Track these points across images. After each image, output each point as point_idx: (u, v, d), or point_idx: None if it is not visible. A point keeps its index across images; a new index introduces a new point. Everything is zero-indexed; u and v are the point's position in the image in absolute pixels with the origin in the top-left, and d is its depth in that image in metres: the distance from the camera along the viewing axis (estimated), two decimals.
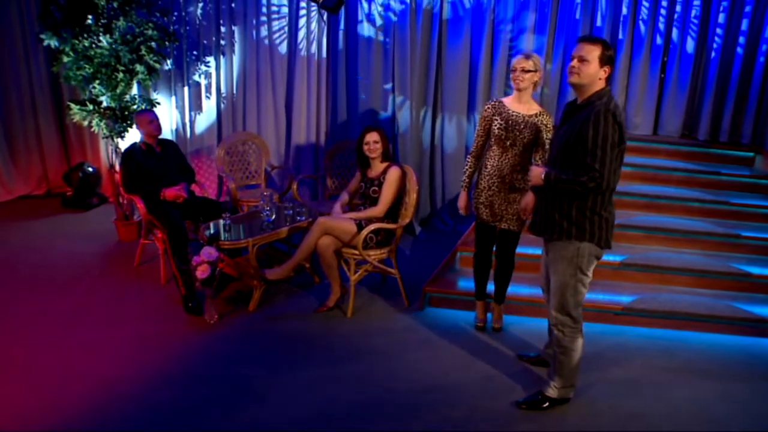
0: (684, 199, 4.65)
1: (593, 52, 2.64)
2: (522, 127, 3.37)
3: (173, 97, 5.65)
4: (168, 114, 5.65)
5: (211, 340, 3.63)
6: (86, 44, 4.45)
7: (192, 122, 5.73)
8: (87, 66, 4.47)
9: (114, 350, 3.47)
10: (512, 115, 3.40)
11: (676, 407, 3.16)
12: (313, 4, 5.08)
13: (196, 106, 5.70)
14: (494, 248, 3.72)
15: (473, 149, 3.62)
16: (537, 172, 2.81)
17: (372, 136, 3.96)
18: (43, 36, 4.41)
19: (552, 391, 3.06)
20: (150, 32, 4.59)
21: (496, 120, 3.44)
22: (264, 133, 5.62)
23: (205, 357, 3.45)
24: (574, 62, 2.68)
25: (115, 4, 4.47)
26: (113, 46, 4.44)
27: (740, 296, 4.08)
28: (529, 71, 3.33)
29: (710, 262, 4.23)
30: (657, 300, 3.99)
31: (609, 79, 2.72)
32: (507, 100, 3.48)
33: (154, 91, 5.50)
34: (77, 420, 2.86)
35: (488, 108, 3.51)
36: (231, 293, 4.22)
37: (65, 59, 4.48)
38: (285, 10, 5.41)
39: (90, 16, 4.47)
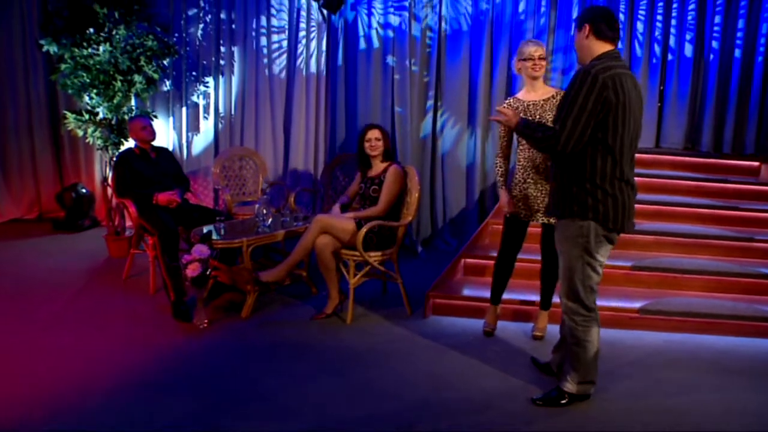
0: (693, 206, 4.52)
1: (575, 26, 2.69)
2: (541, 112, 3.29)
3: (171, 118, 5.62)
4: (165, 135, 5.60)
5: (200, 344, 3.40)
6: (85, 53, 4.44)
7: (189, 143, 5.67)
8: (84, 74, 4.44)
9: (94, 352, 3.24)
10: (529, 106, 3.33)
11: (704, 403, 2.91)
12: (313, 2, 5.12)
13: (194, 126, 5.66)
14: (520, 250, 3.50)
15: (499, 150, 3.48)
16: (515, 115, 2.73)
17: (373, 133, 3.86)
18: (42, 42, 4.41)
19: (570, 386, 2.81)
20: (150, 43, 4.59)
21: None
22: (262, 153, 5.54)
23: (192, 360, 3.21)
24: None
25: (117, 14, 4.49)
26: (112, 53, 4.42)
27: (760, 299, 3.88)
28: (544, 58, 3.31)
29: (725, 266, 4.06)
30: (674, 303, 3.80)
31: (608, 39, 2.56)
32: (521, 94, 3.44)
33: (152, 111, 5.46)
34: (50, 417, 2.62)
35: (505, 106, 3.43)
36: (224, 303, 4.01)
37: (63, 66, 4.46)
38: (284, 32, 5.46)
39: (91, 29, 4.49)
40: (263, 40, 5.46)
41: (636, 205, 4.37)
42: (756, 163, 4.92)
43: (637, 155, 4.83)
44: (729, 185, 4.72)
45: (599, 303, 3.65)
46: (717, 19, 5.09)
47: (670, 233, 4.30)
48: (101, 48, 4.49)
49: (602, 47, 2.57)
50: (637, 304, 3.75)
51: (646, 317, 3.71)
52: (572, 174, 2.58)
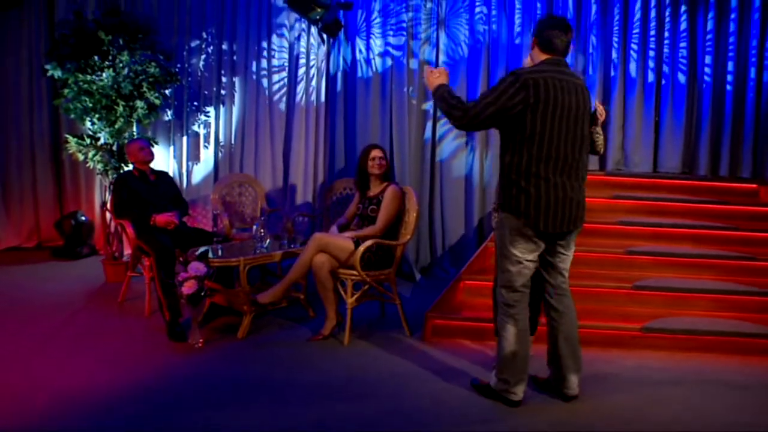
0: (693, 227, 4.50)
1: None
2: None
3: (172, 147, 5.68)
4: (166, 163, 5.65)
5: (193, 362, 3.34)
6: (88, 78, 4.52)
7: (189, 172, 5.71)
8: (87, 99, 4.51)
9: (87, 369, 3.19)
10: None
11: (709, 418, 2.83)
12: (312, 30, 5.24)
13: (194, 156, 5.71)
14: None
15: None
16: (439, 78, 2.77)
17: (378, 152, 3.91)
18: (47, 66, 4.50)
19: (493, 378, 2.88)
20: (152, 70, 4.68)
21: None
22: (261, 180, 5.57)
23: (186, 379, 3.14)
24: None
25: (121, 41, 4.60)
26: (115, 78, 4.51)
27: (764, 318, 3.81)
28: None
29: (727, 286, 4.02)
30: (676, 321, 3.74)
31: (551, 51, 2.68)
32: None
33: (153, 138, 5.52)
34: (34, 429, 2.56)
35: None
36: (220, 325, 3.95)
37: (66, 91, 4.54)
38: (286, 63, 5.57)
39: (96, 57, 4.60)
40: (264, 70, 5.57)
41: (635, 227, 4.47)
42: (753, 186, 4.93)
43: (635, 179, 5.00)
44: (728, 207, 4.71)
45: (599, 322, 3.67)
46: (708, 59, 5.20)
47: (670, 254, 4.27)
48: (104, 74, 4.58)
49: (544, 57, 2.69)
50: (638, 323, 3.70)
51: (648, 335, 3.65)
52: (501, 170, 2.75)
